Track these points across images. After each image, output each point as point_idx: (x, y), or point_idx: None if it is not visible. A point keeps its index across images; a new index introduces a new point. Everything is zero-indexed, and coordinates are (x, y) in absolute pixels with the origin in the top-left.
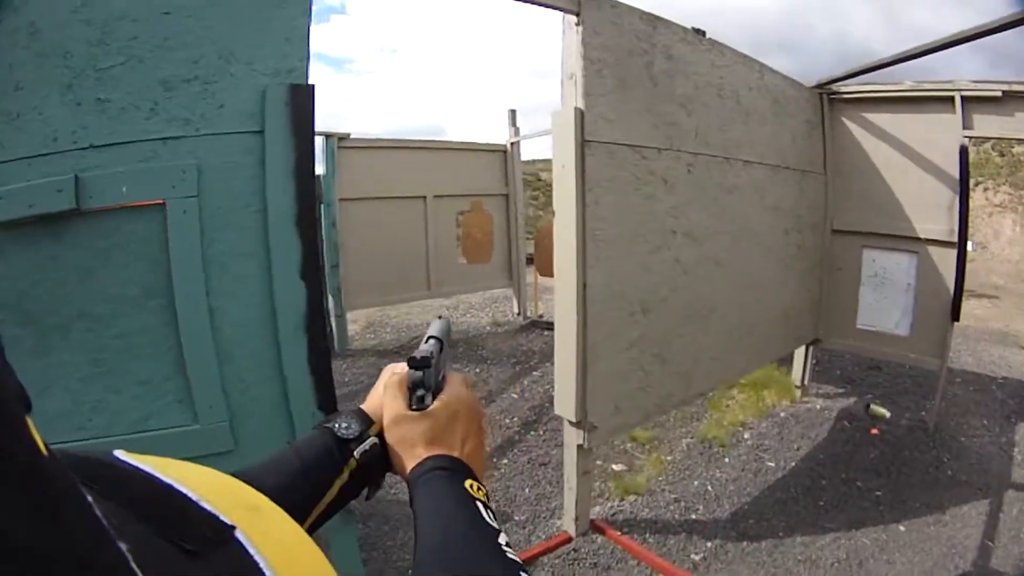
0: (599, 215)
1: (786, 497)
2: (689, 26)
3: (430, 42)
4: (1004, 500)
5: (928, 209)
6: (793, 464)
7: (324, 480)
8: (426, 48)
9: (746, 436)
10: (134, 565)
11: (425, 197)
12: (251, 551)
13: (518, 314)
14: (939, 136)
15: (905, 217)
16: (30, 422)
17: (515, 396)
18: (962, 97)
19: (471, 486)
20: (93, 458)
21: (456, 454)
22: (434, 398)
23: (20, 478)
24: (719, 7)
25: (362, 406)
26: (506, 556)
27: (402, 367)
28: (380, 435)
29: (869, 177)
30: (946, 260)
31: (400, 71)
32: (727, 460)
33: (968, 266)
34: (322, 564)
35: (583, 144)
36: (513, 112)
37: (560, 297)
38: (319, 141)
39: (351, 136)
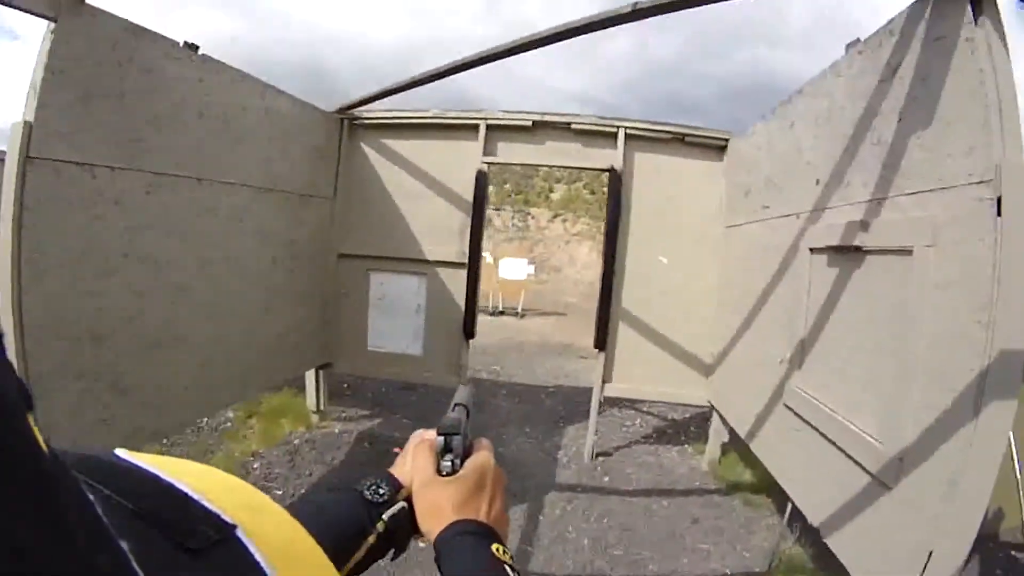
0: (37, 238)
1: None
2: (182, 41)
3: None
4: (545, 503)
5: (441, 233)
6: (303, 491)
7: (352, 542)
8: None
9: (256, 466)
10: (135, 564)
11: None
12: (252, 550)
13: None
14: (460, 162)
15: (415, 241)
16: (31, 420)
17: None
18: (487, 125)
19: (498, 550)
20: (94, 457)
21: (483, 518)
22: (462, 463)
23: (21, 477)
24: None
25: (390, 470)
26: None
27: (431, 433)
28: (408, 499)
29: (383, 202)
30: (457, 281)
31: None
32: None
33: (540, 287)
34: (323, 564)
35: (26, 161)
36: None
37: None
38: None
39: None
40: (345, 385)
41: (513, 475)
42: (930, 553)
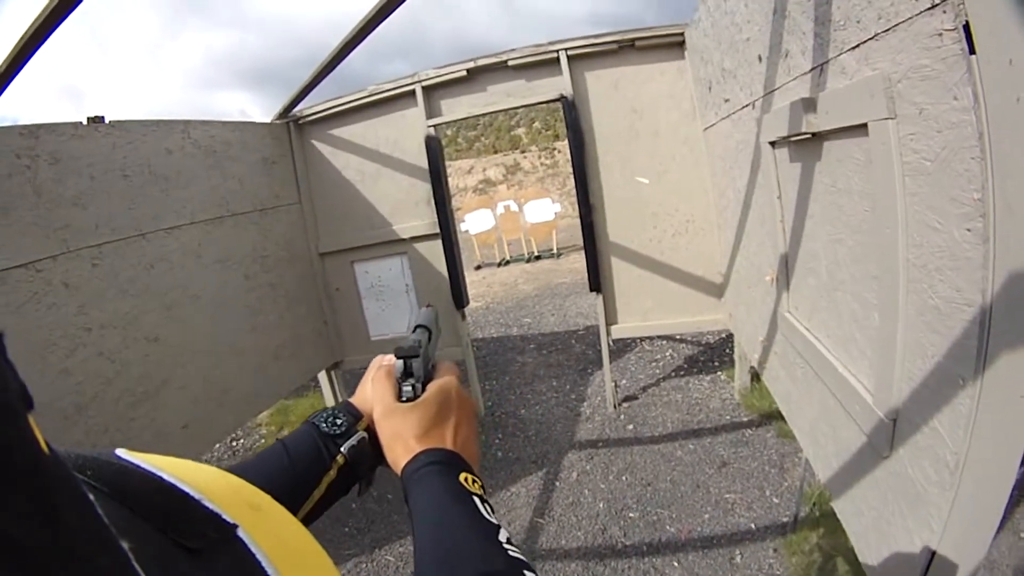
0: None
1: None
2: (86, 117)
3: None
4: (563, 466)
5: (409, 207)
6: None
7: (311, 478)
8: None
9: None
10: (136, 564)
11: None
12: (253, 549)
13: None
14: (408, 132)
15: (386, 223)
16: (32, 420)
17: None
18: (423, 87)
19: (466, 479)
20: (95, 457)
21: (449, 446)
22: (424, 388)
23: (22, 477)
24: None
25: (351, 399)
26: (508, 554)
27: (390, 358)
28: (370, 429)
29: (348, 192)
30: (436, 252)
31: None
32: None
33: (576, 221)
34: (324, 562)
35: None
36: None
37: None
38: None
39: None
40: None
41: (535, 439)
42: (933, 553)
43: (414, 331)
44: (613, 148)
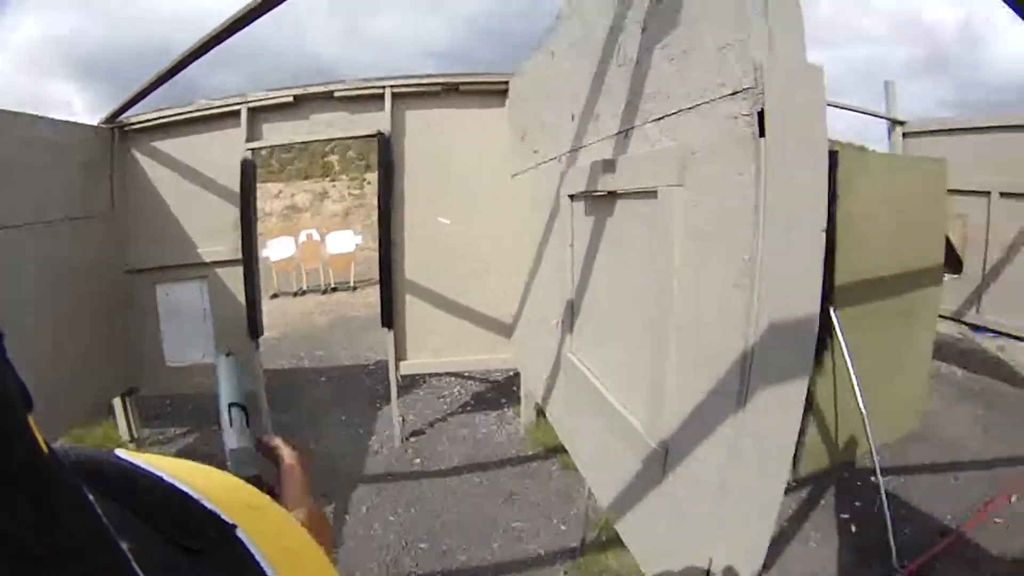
0: None
1: None
2: None
3: None
4: (353, 499)
5: (216, 231)
6: None
7: None
8: None
9: None
10: (135, 564)
11: None
12: (252, 550)
13: None
14: (228, 153)
15: (193, 244)
16: (31, 421)
17: None
18: (249, 109)
19: None
20: (95, 457)
21: None
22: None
23: (21, 477)
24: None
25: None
26: None
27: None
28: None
29: (161, 208)
30: (236, 279)
31: None
32: None
33: (375, 254)
34: (323, 563)
35: None
36: None
37: None
38: None
39: None
40: (167, 401)
41: (325, 472)
42: (710, 560)
43: (229, 410)
44: (422, 187)
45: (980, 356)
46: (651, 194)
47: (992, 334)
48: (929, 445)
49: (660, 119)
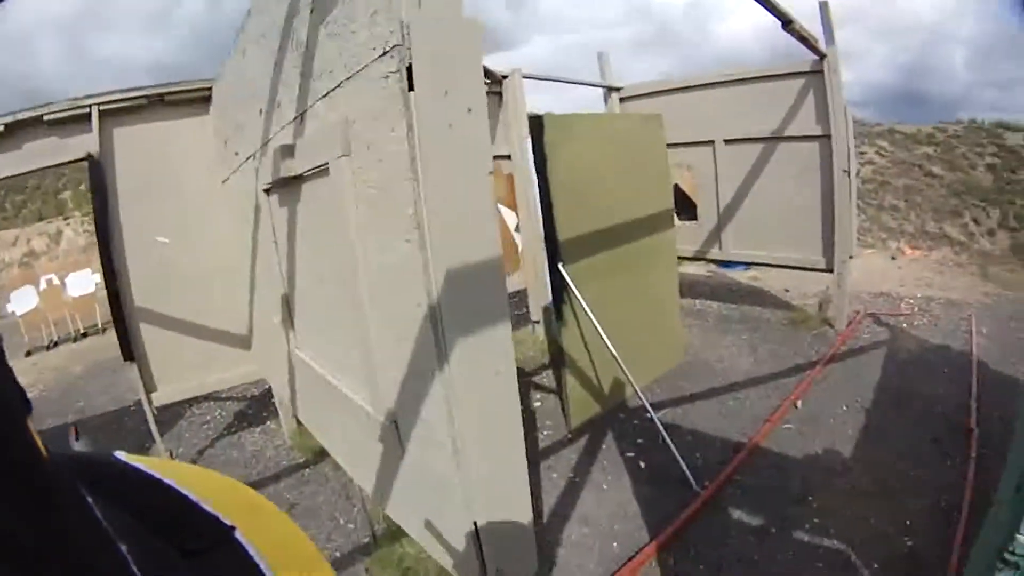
0: None
1: None
2: None
3: None
4: None
5: None
6: None
7: None
8: None
9: None
10: (134, 566)
11: None
12: (250, 551)
13: None
14: None
15: None
16: (30, 424)
17: None
18: None
19: None
20: (94, 459)
21: None
22: None
23: (20, 479)
24: None
25: None
26: None
27: None
28: None
29: None
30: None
31: None
32: None
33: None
34: (320, 564)
35: None
36: None
37: None
38: None
39: None
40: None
41: None
42: (475, 525)
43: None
44: (137, 209)
45: (733, 288)
46: (326, 171)
47: (742, 267)
48: (702, 373)
49: (326, 95)
